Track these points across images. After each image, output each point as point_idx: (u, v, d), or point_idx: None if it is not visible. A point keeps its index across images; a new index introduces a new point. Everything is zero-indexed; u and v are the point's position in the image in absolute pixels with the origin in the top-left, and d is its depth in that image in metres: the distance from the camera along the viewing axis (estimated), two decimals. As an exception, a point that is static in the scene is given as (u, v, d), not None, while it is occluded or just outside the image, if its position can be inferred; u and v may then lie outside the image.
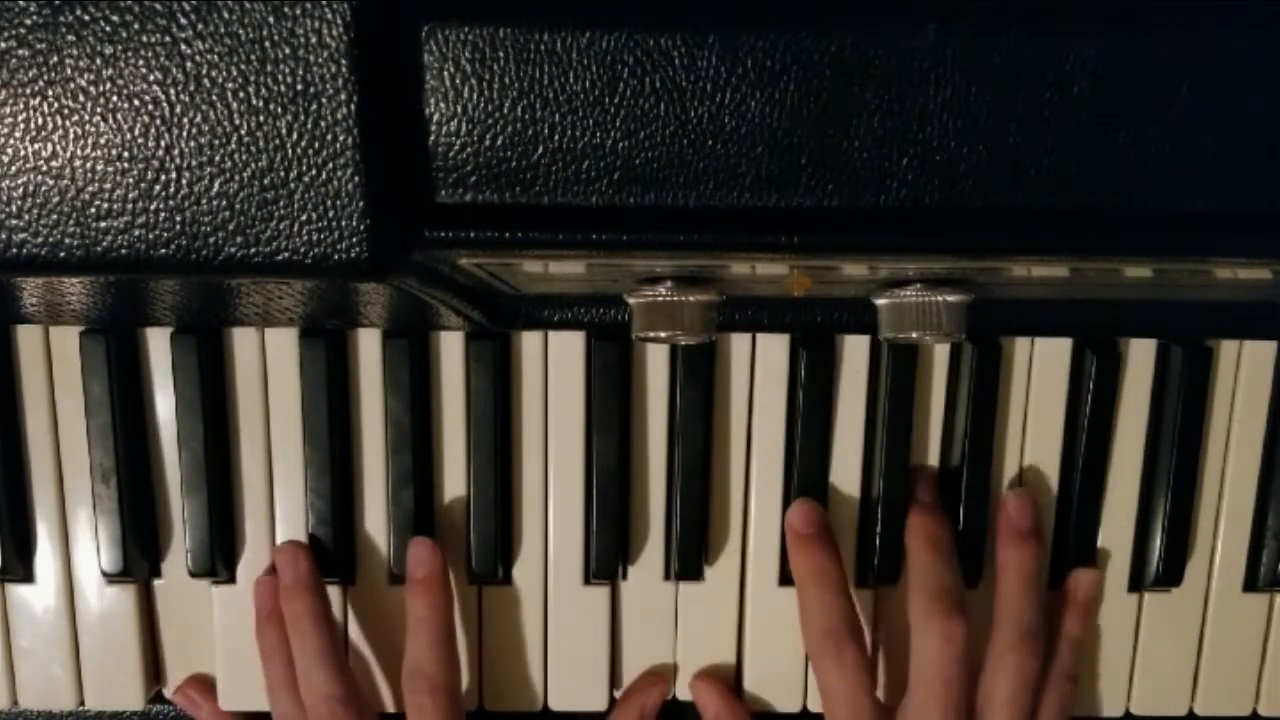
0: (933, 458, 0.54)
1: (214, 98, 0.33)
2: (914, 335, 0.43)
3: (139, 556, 0.54)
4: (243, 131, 0.33)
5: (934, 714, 0.49)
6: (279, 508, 0.54)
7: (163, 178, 0.33)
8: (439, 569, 0.52)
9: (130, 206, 0.34)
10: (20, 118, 0.33)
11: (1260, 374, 0.54)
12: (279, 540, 0.54)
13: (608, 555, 0.54)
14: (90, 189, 0.34)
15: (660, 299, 0.41)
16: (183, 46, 0.33)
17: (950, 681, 0.48)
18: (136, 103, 0.33)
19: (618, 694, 0.56)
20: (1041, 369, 0.53)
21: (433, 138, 0.35)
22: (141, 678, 0.55)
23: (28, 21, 0.32)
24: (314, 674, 0.51)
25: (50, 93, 0.33)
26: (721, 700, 0.54)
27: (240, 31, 0.32)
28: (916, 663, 0.50)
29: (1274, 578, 0.55)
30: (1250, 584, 0.56)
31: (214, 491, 0.53)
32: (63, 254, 0.34)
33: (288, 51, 0.32)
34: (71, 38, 0.32)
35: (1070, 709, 0.53)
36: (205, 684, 0.56)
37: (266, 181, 0.33)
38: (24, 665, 0.55)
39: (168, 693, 0.56)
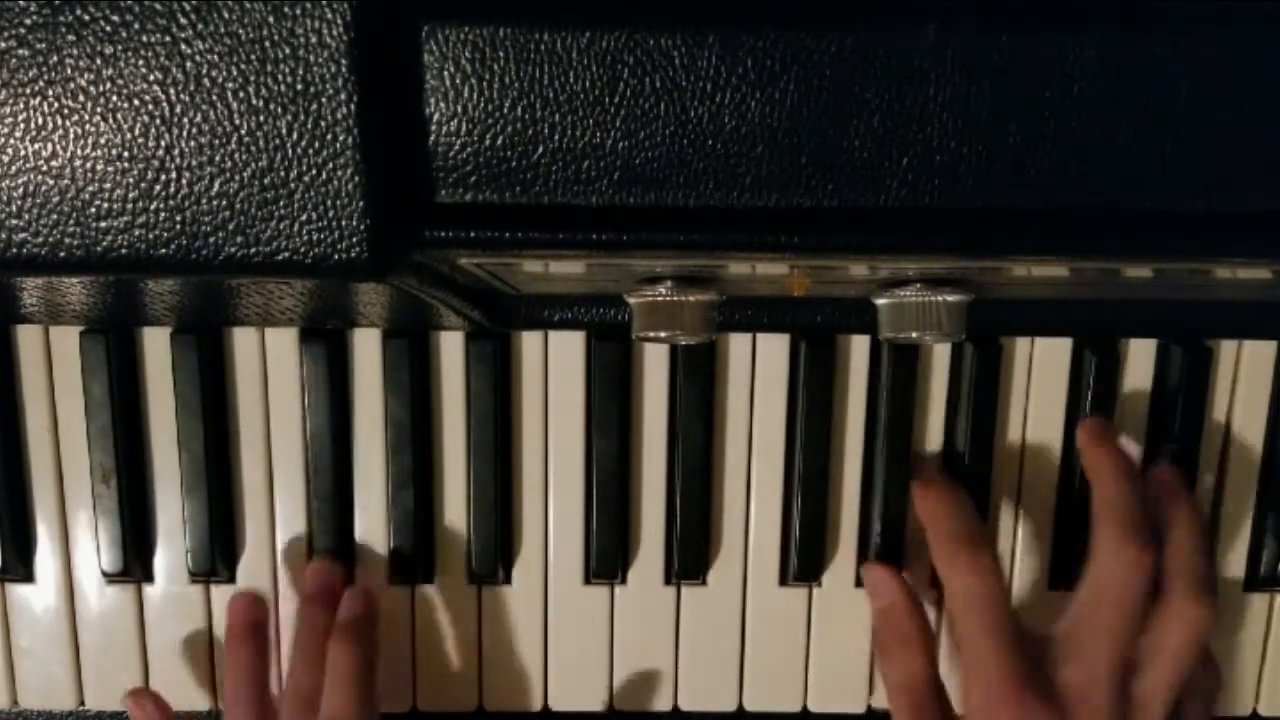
0: (933, 457, 0.54)
1: (214, 98, 0.33)
2: (914, 335, 0.43)
3: (139, 557, 0.54)
4: (243, 131, 0.33)
5: (1104, 638, 0.47)
6: (279, 508, 0.54)
7: (163, 178, 0.33)
8: (365, 613, 0.53)
9: (130, 206, 0.34)
10: (20, 118, 0.33)
11: (1260, 374, 0.54)
12: (279, 541, 0.54)
13: (608, 555, 0.54)
14: (90, 189, 0.34)
15: (660, 299, 0.41)
16: (183, 46, 0.33)
17: (1129, 612, 0.47)
18: (136, 103, 0.33)
19: (617, 695, 0.56)
20: (1041, 369, 0.53)
21: (433, 138, 0.35)
22: (142, 678, 0.55)
23: (28, 21, 0.32)
24: (336, 694, 0.50)
25: (50, 93, 0.33)
26: (898, 586, 0.53)
27: (240, 31, 0.32)
28: (1099, 585, 0.48)
29: (1274, 578, 0.55)
30: (1250, 584, 0.56)
31: (214, 492, 0.53)
32: (63, 254, 0.34)
33: (288, 51, 0.32)
34: (71, 38, 0.32)
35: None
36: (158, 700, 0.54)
37: (266, 181, 0.33)
38: (24, 665, 0.55)
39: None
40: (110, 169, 0.33)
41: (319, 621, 0.52)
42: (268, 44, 0.32)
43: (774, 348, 0.53)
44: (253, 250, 0.34)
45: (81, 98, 0.33)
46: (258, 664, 0.53)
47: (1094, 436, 0.52)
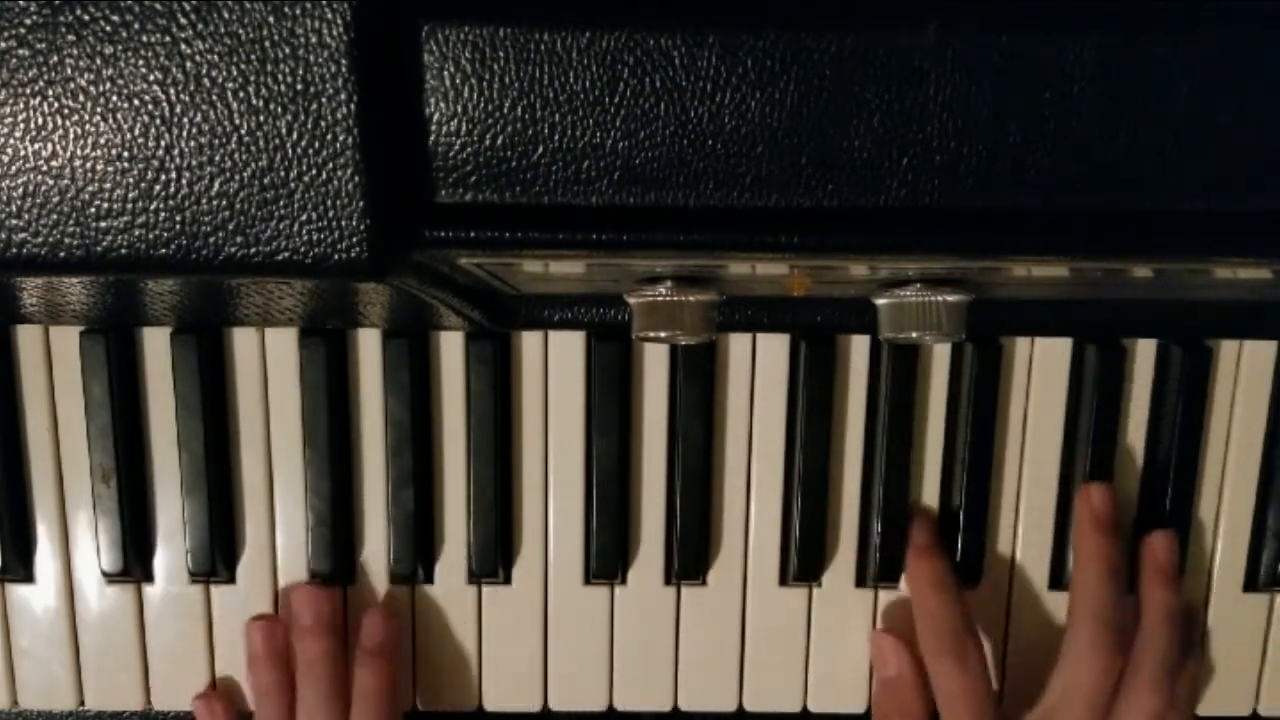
0: (933, 458, 0.54)
1: (214, 98, 0.33)
2: (914, 335, 0.43)
3: (139, 557, 0.54)
4: (243, 131, 0.33)
5: None
6: (279, 508, 0.54)
7: (163, 178, 0.33)
8: (392, 637, 0.53)
9: (130, 206, 0.34)
10: (20, 118, 0.33)
11: (1260, 374, 0.54)
12: (279, 541, 0.54)
13: (608, 555, 0.54)
14: (90, 189, 0.34)
15: (660, 299, 0.41)
16: (183, 46, 0.33)
17: (1098, 713, 0.50)
18: (136, 103, 0.33)
19: (617, 695, 0.56)
20: (1041, 369, 0.53)
21: (433, 138, 0.35)
22: (141, 678, 0.55)
23: (28, 21, 0.32)
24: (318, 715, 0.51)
25: (50, 93, 0.33)
26: (907, 660, 0.54)
27: (240, 31, 0.32)
28: (1070, 685, 0.50)
29: (1274, 578, 0.55)
30: (1250, 584, 0.56)
31: (214, 492, 0.53)
32: (63, 254, 0.34)
33: (288, 51, 0.32)
34: (71, 38, 0.32)
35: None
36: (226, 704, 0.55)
37: (266, 181, 0.33)
38: (24, 665, 0.55)
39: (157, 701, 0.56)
40: (110, 169, 0.33)
41: (326, 650, 0.52)
42: (268, 44, 0.32)
43: (774, 348, 0.53)
44: (253, 250, 0.34)
45: (81, 98, 0.33)
46: (284, 690, 0.53)
47: (1092, 522, 0.53)
